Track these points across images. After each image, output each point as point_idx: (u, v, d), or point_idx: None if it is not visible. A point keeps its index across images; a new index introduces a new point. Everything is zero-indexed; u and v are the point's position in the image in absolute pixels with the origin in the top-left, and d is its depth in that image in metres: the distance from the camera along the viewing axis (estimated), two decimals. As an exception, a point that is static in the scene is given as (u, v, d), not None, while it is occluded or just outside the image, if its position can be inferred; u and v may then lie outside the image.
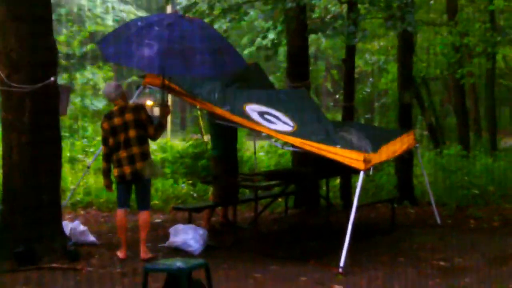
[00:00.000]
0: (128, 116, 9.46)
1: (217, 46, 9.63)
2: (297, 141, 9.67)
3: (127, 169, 9.49)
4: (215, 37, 9.94)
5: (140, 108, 9.65)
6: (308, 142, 9.55)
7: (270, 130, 9.82)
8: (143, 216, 9.71)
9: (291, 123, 9.99)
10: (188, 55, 9.24)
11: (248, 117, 9.94)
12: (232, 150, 11.95)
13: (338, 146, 9.50)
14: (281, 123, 9.90)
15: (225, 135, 11.58)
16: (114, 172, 9.67)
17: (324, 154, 9.53)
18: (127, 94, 10.16)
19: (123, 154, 9.48)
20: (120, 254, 9.69)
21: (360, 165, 9.14)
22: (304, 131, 9.89)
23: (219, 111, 10.12)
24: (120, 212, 9.77)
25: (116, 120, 9.49)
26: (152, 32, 9.31)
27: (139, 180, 9.59)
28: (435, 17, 25.02)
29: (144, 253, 9.58)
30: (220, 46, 9.71)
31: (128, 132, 9.44)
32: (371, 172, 9.74)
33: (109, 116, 9.61)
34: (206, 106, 10.43)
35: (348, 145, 9.77)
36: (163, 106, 9.88)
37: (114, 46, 9.54)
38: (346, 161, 9.29)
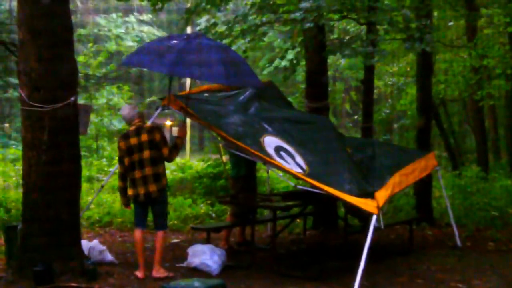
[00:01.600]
0: (144, 137, 9.52)
1: (233, 60, 9.73)
2: (311, 181, 9.69)
3: (141, 190, 9.57)
4: (232, 54, 10.03)
5: (155, 129, 9.69)
6: (321, 185, 9.57)
7: (285, 167, 9.85)
8: (158, 236, 9.76)
9: (304, 166, 9.99)
10: (202, 61, 9.33)
11: (264, 151, 9.96)
12: (251, 170, 11.97)
13: (353, 194, 9.58)
14: (294, 164, 9.90)
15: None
16: (129, 192, 9.76)
17: (339, 198, 9.63)
18: (145, 115, 10.23)
19: (137, 174, 9.56)
20: (139, 274, 9.71)
21: (373, 210, 9.20)
22: (317, 173, 9.90)
23: (237, 143, 10.14)
24: (137, 232, 9.84)
25: (132, 140, 9.57)
26: (170, 42, 9.60)
27: (153, 201, 9.63)
28: (454, 38, 25.00)
29: (155, 272, 9.65)
30: (236, 61, 9.81)
31: (142, 152, 9.51)
32: (384, 211, 9.81)
33: (125, 136, 9.70)
34: (224, 136, 10.42)
35: (363, 187, 9.91)
36: (181, 127, 9.96)
37: (136, 55, 9.92)
38: (361, 206, 9.34)
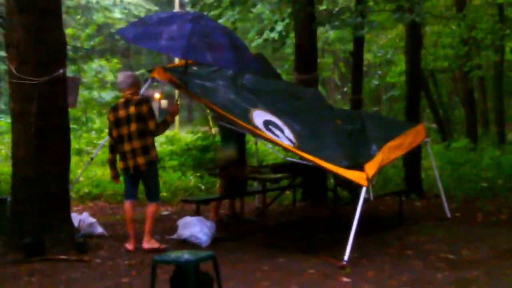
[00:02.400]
0: (132, 110, 9.48)
1: (237, 44, 9.70)
2: (301, 153, 9.69)
3: (130, 163, 9.58)
4: (234, 37, 10.02)
5: (143, 101, 9.60)
6: (311, 157, 9.57)
7: (274, 140, 9.84)
8: (149, 207, 9.77)
9: (293, 139, 9.98)
10: (212, 45, 9.30)
11: (253, 124, 9.94)
12: (240, 143, 11.94)
13: (343, 166, 9.61)
14: (283, 137, 9.89)
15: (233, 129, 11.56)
16: (120, 164, 9.79)
17: (329, 169, 9.65)
18: (140, 83, 10.16)
19: (126, 147, 9.56)
20: (129, 246, 9.72)
21: (363, 182, 9.23)
22: (306, 146, 9.90)
23: (225, 114, 10.10)
24: (127, 204, 9.85)
25: (121, 113, 9.55)
26: (177, 21, 9.47)
27: (143, 174, 9.62)
28: (443, 10, 24.97)
29: (146, 243, 9.64)
30: (239, 45, 9.79)
31: (130, 125, 9.48)
32: (373, 183, 9.85)
33: (114, 108, 9.69)
34: (213, 108, 10.38)
35: (352, 159, 9.99)
36: (172, 104, 9.90)
37: (135, 30, 9.75)
38: (350, 177, 9.36)
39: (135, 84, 9.85)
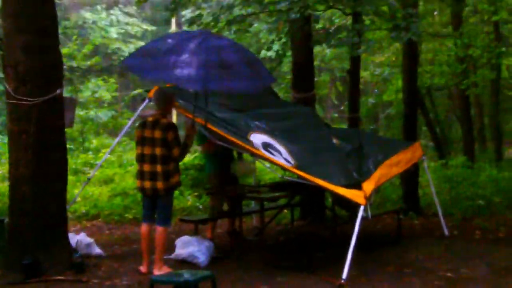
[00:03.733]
0: (157, 133, 9.29)
1: (249, 59, 9.57)
2: (299, 172, 9.72)
3: (147, 184, 9.38)
4: (245, 51, 9.92)
5: (170, 127, 9.37)
6: (309, 176, 9.59)
7: (273, 160, 9.86)
8: (159, 232, 9.48)
9: (291, 160, 9.98)
10: (227, 69, 9.06)
11: (252, 145, 9.94)
12: (227, 168, 11.79)
13: (341, 184, 9.63)
14: (282, 158, 9.89)
15: (218, 153, 11.49)
16: (136, 183, 9.65)
17: (327, 188, 9.70)
18: (172, 98, 9.90)
19: (146, 168, 9.38)
20: (142, 268, 9.60)
21: (361, 201, 9.28)
22: (304, 165, 9.91)
23: (225, 135, 10.10)
24: (144, 227, 9.68)
25: (146, 132, 9.40)
26: (186, 47, 9.08)
27: (159, 197, 9.48)
28: (439, 28, 25.07)
29: (156, 270, 9.36)
30: (251, 59, 9.65)
31: (155, 148, 9.31)
32: (371, 202, 9.85)
33: (142, 125, 9.52)
34: (212, 128, 10.37)
35: (350, 178, 10.01)
36: (189, 125, 9.73)
37: (144, 62, 9.20)
38: (348, 196, 9.39)
39: (166, 103, 9.68)
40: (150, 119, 9.49)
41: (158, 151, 9.28)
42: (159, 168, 9.29)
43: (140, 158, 9.46)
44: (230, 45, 9.52)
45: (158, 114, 9.50)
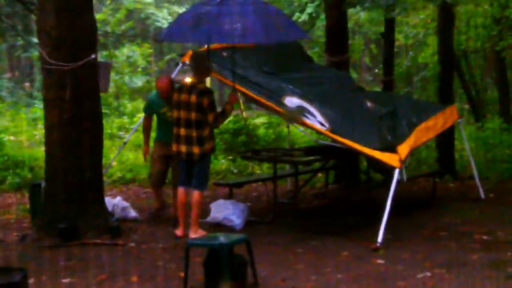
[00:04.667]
0: (193, 98, 9.23)
1: (268, 13, 9.49)
2: (333, 136, 9.70)
3: (183, 148, 9.36)
4: (266, 7, 9.80)
5: (206, 93, 9.31)
6: (343, 139, 9.58)
7: (308, 123, 9.84)
8: (194, 195, 9.47)
9: (326, 124, 9.93)
10: (238, 24, 9.07)
11: (286, 108, 9.92)
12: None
13: (376, 148, 9.61)
14: (316, 122, 9.86)
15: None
16: (172, 146, 9.57)
17: (362, 152, 9.63)
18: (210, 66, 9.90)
19: (182, 132, 9.35)
20: (178, 232, 9.61)
21: (396, 164, 9.26)
22: (338, 129, 9.88)
23: (259, 98, 10.07)
24: (180, 190, 9.63)
25: (183, 97, 9.34)
26: (203, 8, 9.35)
27: (195, 162, 9.44)
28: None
29: (192, 233, 9.36)
30: (271, 14, 9.56)
31: (190, 112, 9.27)
32: (406, 165, 9.78)
33: (179, 90, 9.51)
34: (246, 92, 10.36)
35: (385, 141, 9.96)
36: (232, 94, 9.73)
37: (172, 28, 9.98)
38: (384, 160, 9.34)
39: (202, 71, 9.56)
40: (187, 83, 9.44)
41: (193, 115, 9.26)
42: (194, 133, 9.28)
43: (177, 122, 9.43)
44: (251, 4, 9.50)
45: (194, 80, 9.44)
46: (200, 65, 9.56)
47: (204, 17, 9.17)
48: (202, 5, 9.48)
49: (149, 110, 10.87)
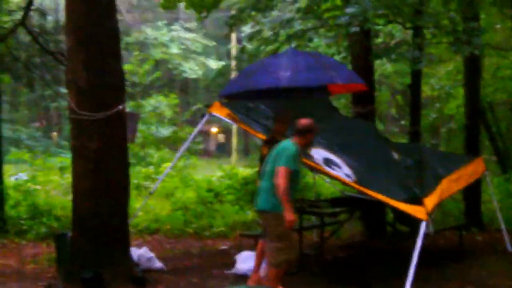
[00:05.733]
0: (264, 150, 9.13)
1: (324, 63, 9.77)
2: (360, 188, 9.69)
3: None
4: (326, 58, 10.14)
5: (269, 143, 9.11)
6: (370, 191, 9.55)
7: (334, 174, 9.86)
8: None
9: (352, 175, 9.93)
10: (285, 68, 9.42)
11: (313, 160, 9.95)
12: None
13: (401, 199, 9.54)
14: (343, 174, 9.85)
15: None
16: None
17: (387, 203, 9.59)
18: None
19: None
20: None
21: (423, 216, 9.14)
22: (365, 181, 9.86)
23: None
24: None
25: (263, 149, 9.33)
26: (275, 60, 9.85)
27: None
28: (501, 41, 24.75)
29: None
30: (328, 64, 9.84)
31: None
32: (433, 217, 9.69)
33: (264, 142, 9.59)
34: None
35: (411, 193, 9.85)
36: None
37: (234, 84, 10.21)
38: (410, 212, 9.29)
39: (281, 123, 9.51)
40: (269, 137, 9.37)
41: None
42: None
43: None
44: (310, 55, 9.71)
45: (276, 132, 9.35)
46: (281, 118, 9.60)
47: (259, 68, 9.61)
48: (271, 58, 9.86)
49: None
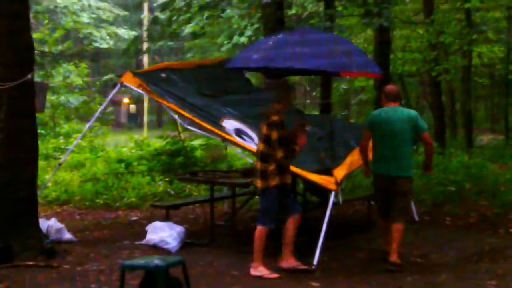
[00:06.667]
0: (264, 129, 8.77)
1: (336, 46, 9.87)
2: None
3: (253, 180, 9.03)
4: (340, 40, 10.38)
5: (274, 126, 8.70)
6: None
7: (245, 145, 9.87)
8: (257, 229, 9.01)
9: None
10: (301, 47, 9.58)
11: (224, 130, 9.95)
12: None
13: (313, 170, 9.62)
14: (254, 145, 9.83)
15: None
16: None
17: (299, 174, 9.62)
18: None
19: (254, 163, 8.99)
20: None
21: (332, 187, 9.28)
22: None
23: (196, 120, 10.09)
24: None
25: (261, 126, 8.93)
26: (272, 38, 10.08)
27: (258, 195, 9.13)
28: (411, 14, 25.15)
29: (253, 269, 8.87)
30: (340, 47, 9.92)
31: (259, 144, 8.87)
32: (343, 188, 9.77)
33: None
34: (183, 113, 10.35)
35: (320, 164, 10.02)
36: (302, 135, 8.90)
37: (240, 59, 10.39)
38: (320, 182, 9.37)
39: (279, 99, 9.09)
40: (265, 113, 8.91)
41: (260, 147, 8.76)
42: (258, 164, 8.79)
43: (256, 154, 9.00)
44: (317, 34, 10.20)
45: (273, 109, 8.93)
46: (282, 95, 9.13)
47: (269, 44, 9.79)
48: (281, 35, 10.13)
49: None
